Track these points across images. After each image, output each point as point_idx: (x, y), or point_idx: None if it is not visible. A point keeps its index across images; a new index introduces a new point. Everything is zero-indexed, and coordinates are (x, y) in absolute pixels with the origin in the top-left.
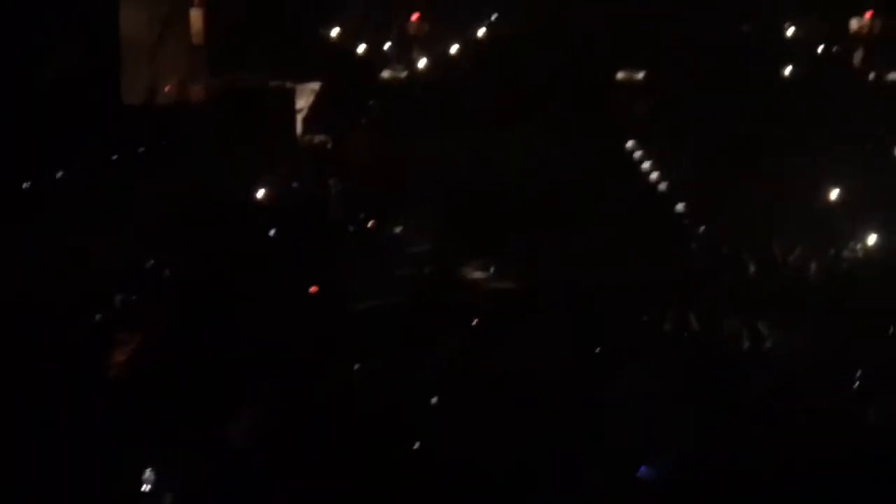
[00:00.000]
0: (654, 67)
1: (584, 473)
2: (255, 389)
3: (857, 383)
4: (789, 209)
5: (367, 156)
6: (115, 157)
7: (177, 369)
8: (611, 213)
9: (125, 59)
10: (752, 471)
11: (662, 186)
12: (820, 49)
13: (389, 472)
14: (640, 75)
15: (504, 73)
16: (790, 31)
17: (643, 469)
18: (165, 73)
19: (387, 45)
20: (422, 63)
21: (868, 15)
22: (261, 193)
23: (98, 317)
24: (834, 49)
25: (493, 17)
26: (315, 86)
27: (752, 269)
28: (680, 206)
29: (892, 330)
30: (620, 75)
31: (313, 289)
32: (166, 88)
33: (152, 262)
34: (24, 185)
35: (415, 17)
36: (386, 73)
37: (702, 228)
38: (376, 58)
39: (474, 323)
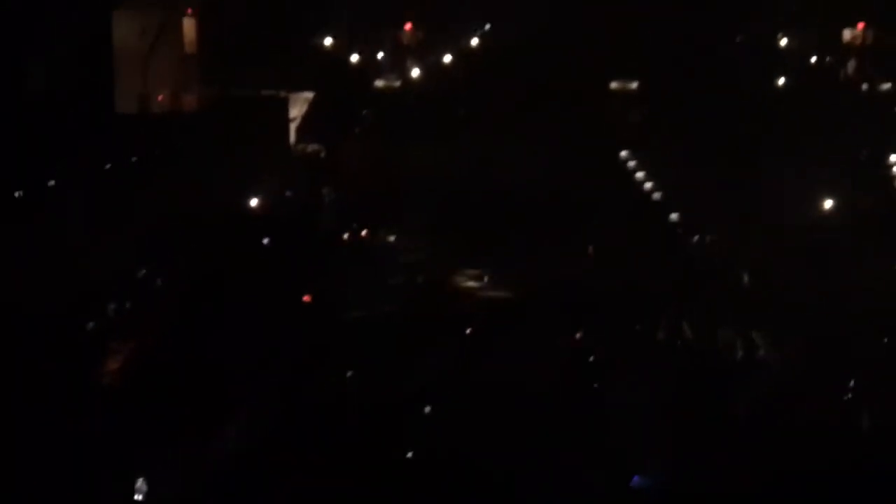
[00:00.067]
0: (647, 77)
1: (576, 481)
2: (247, 397)
3: (850, 393)
4: (783, 218)
5: (361, 165)
6: (107, 167)
7: (168, 378)
8: (604, 223)
9: (118, 69)
10: (746, 479)
11: (656, 196)
12: (813, 60)
13: (384, 477)
14: (634, 85)
15: (497, 83)
16: (783, 42)
17: (636, 478)
18: (158, 83)
19: (380, 55)
20: (415, 72)
21: (860, 26)
22: (254, 202)
23: (91, 325)
24: (827, 60)
25: (486, 28)
26: (308, 95)
27: (745, 278)
28: (674, 216)
29: (884, 339)
30: (614, 85)
31: (306, 297)
32: (159, 98)
33: (145, 271)
34: (17, 194)
35: (408, 26)
36: (379, 83)
37: (696, 238)
38: (370, 67)
39: (468, 331)
